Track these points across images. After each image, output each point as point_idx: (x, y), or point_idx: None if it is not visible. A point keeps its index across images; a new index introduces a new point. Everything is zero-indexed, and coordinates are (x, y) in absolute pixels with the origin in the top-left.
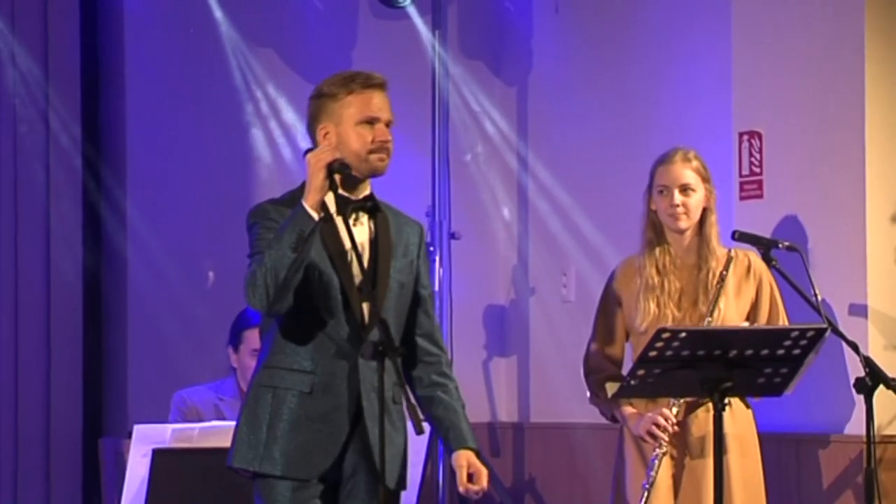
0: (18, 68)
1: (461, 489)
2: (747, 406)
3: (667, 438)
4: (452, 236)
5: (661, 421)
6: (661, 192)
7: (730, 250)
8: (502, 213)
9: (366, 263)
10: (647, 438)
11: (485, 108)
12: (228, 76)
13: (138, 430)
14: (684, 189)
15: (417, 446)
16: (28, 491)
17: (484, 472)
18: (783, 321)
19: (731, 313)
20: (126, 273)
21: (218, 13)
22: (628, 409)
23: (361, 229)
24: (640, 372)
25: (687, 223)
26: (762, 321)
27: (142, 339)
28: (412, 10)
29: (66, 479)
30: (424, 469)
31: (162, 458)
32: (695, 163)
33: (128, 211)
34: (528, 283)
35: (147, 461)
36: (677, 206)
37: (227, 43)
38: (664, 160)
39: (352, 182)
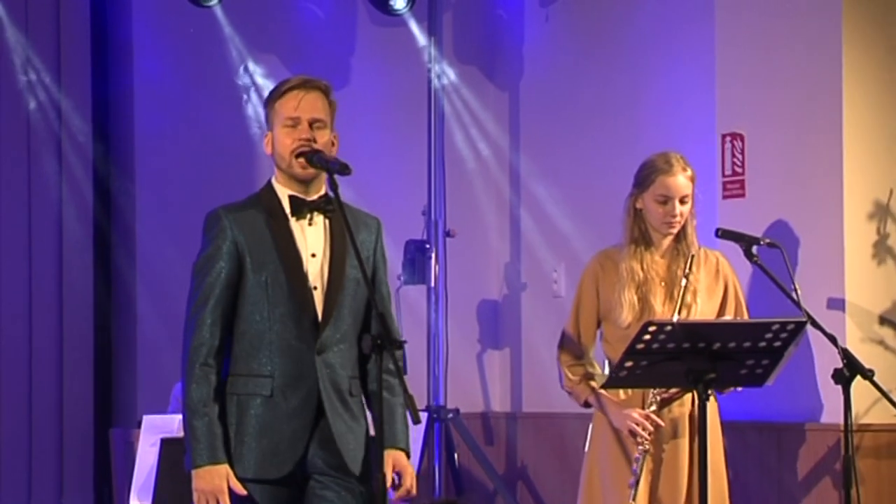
0: (32, 75)
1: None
2: (714, 398)
3: (648, 437)
4: (447, 234)
5: (641, 419)
6: (661, 201)
7: (699, 249)
8: (495, 211)
9: (321, 263)
10: (628, 435)
11: (478, 111)
12: (232, 81)
13: (147, 420)
14: (683, 200)
15: (414, 435)
16: (42, 479)
17: (409, 471)
18: (747, 318)
19: (704, 312)
20: (135, 270)
21: (223, 20)
22: (609, 398)
23: (317, 229)
24: (629, 363)
25: (678, 229)
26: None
27: (150, 334)
28: (409, 18)
29: (78, 467)
30: (421, 457)
31: (170, 447)
32: (689, 171)
33: (137, 209)
34: (520, 279)
35: (156, 450)
36: (676, 216)
37: (231, 49)
38: (666, 170)
39: (306, 183)
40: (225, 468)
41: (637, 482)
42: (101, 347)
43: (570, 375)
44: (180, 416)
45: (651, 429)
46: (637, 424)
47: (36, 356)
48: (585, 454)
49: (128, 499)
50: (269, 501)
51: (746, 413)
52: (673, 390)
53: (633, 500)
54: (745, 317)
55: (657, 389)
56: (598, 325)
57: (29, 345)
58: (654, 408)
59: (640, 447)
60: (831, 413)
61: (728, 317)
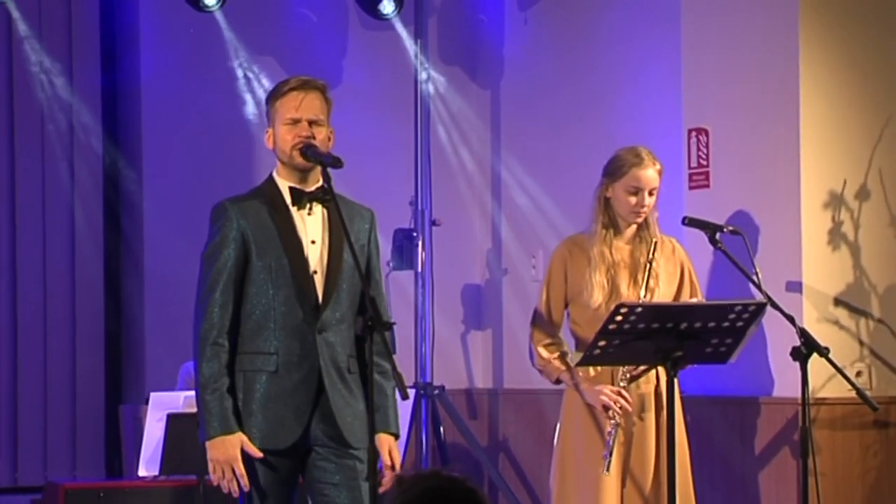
0: (43, 69)
1: (386, 466)
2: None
3: (620, 411)
4: (433, 223)
5: (614, 395)
6: (632, 192)
7: (659, 237)
8: (478, 202)
9: (320, 249)
10: (601, 409)
11: (462, 109)
12: (232, 78)
13: (154, 397)
14: (651, 192)
15: (402, 410)
16: (57, 453)
17: (398, 455)
18: (701, 299)
19: (665, 294)
20: (143, 256)
21: (223, 23)
22: (581, 375)
23: (315, 218)
24: (602, 343)
25: (643, 218)
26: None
27: (156, 317)
28: (397, 22)
29: (91, 441)
30: (409, 431)
31: (176, 422)
32: (658, 166)
33: (144, 198)
34: (501, 264)
35: (162, 425)
36: (644, 206)
37: (231, 49)
38: (638, 164)
39: (305, 175)
40: (238, 436)
41: (610, 454)
42: (111, 329)
43: (543, 354)
44: (185, 394)
45: (623, 403)
46: (610, 399)
47: (50, 338)
48: (558, 429)
49: (137, 470)
50: (273, 471)
51: (711, 388)
52: (641, 367)
53: (607, 470)
54: (700, 297)
55: (626, 367)
56: (566, 306)
57: (44, 327)
58: (623, 384)
59: (612, 421)
60: (789, 388)
61: (694, 299)
